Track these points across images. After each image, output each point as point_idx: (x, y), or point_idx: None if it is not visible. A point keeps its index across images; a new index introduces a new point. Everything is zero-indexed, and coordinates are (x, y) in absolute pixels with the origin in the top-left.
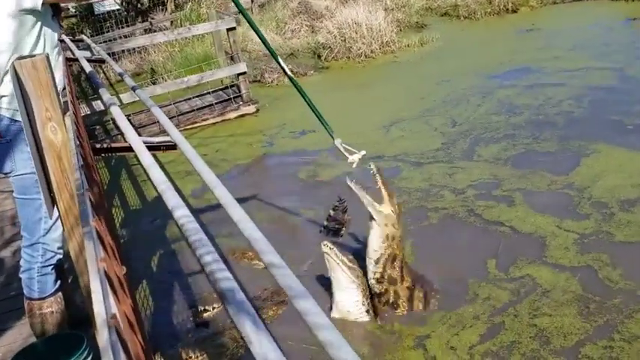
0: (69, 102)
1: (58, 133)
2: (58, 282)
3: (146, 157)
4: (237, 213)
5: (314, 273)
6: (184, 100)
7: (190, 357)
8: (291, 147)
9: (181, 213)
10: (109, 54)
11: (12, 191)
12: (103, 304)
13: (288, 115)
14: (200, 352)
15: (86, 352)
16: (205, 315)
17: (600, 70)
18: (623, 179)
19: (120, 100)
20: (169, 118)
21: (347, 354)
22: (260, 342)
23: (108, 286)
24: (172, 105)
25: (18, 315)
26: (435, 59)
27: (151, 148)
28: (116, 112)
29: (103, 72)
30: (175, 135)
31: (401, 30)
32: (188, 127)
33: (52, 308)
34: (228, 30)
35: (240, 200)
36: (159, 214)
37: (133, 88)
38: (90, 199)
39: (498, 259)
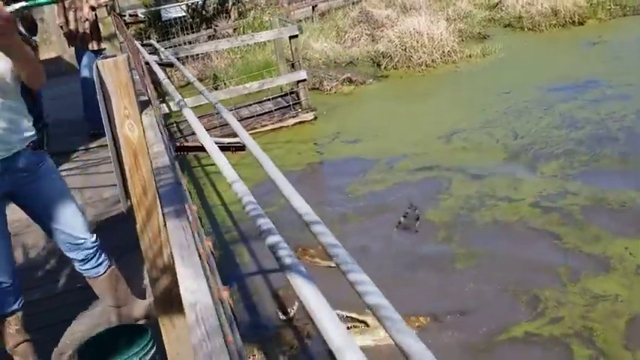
0: (152, 100)
1: (135, 130)
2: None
3: (218, 156)
4: (301, 206)
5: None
6: (245, 106)
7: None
8: (345, 155)
9: (252, 207)
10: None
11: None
12: (192, 290)
13: (344, 124)
14: (284, 346)
15: (150, 344)
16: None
17: None
18: None
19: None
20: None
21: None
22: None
23: (202, 271)
24: (233, 110)
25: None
26: (497, 70)
27: (222, 148)
28: (188, 114)
29: (167, 77)
30: (245, 137)
31: (463, 40)
32: (249, 132)
33: None
34: (291, 37)
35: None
36: (233, 212)
37: (203, 93)
38: (184, 188)
39: (562, 275)
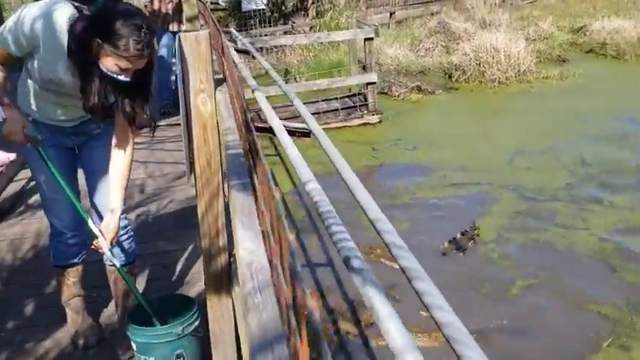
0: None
1: (208, 105)
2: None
3: (285, 137)
4: (372, 210)
5: None
6: (311, 102)
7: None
8: (404, 161)
9: (312, 186)
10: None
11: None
12: (250, 251)
13: (407, 130)
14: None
15: (196, 316)
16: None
17: None
18: None
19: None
20: (296, 117)
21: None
22: (381, 309)
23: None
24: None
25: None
26: (573, 95)
27: (288, 132)
28: (260, 96)
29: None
30: (312, 124)
31: (541, 61)
32: None
33: None
34: (366, 40)
35: (347, 203)
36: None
37: (277, 81)
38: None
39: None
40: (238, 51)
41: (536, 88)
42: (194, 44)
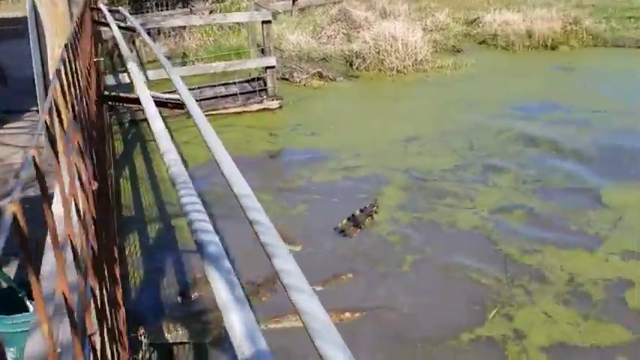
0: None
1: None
2: None
3: (151, 108)
4: (227, 168)
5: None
6: (209, 86)
7: (173, 332)
8: (302, 146)
9: (171, 157)
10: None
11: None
12: None
13: (307, 116)
14: (184, 327)
15: None
16: (193, 292)
17: (626, 116)
18: None
19: (146, 77)
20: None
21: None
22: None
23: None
24: (197, 89)
25: None
26: (466, 84)
27: (159, 104)
28: (132, 65)
29: (137, 52)
30: (185, 94)
31: (437, 51)
32: (209, 112)
33: None
34: (264, 23)
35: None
36: (163, 191)
37: (157, 53)
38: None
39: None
40: (122, 28)
41: (432, 77)
42: (49, 6)
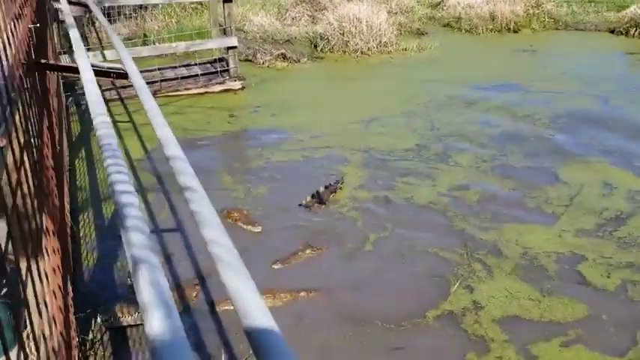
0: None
1: None
2: None
3: (87, 74)
4: (161, 131)
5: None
6: (170, 67)
7: (126, 314)
8: (263, 126)
9: (101, 119)
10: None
11: None
12: None
13: (270, 97)
14: (138, 310)
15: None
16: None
17: (584, 96)
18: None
19: (104, 56)
20: (152, 83)
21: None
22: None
23: None
24: (157, 71)
25: None
26: (429, 65)
27: (100, 73)
28: (74, 36)
29: (97, 34)
30: (128, 63)
31: (401, 34)
32: (170, 94)
33: None
34: (225, 2)
35: (206, 169)
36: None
37: (106, 28)
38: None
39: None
40: (72, 3)
41: (396, 58)
42: None
